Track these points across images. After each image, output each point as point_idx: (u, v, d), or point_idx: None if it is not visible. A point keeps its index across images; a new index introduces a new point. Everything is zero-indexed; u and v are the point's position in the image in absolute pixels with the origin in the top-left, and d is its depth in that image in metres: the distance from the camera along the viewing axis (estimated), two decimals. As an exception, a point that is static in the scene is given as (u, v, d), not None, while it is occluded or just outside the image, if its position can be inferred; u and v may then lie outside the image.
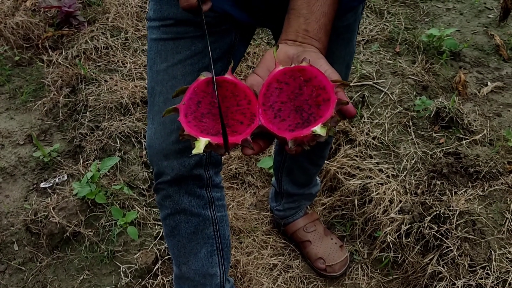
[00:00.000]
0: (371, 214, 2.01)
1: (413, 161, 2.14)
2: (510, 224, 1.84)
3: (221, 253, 1.42)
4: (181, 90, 0.82)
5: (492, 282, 1.68)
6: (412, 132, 2.27)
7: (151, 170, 2.19)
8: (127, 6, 3.03)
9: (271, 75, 0.84)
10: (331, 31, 1.25)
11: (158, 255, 1.86)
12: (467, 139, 2.18)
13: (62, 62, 2.73)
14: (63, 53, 2.80)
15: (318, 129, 0.77)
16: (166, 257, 1.87)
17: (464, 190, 1.96)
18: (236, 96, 0.83)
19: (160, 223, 1.97)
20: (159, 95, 1.22)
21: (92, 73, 2.62)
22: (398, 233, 1.90)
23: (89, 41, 2.81)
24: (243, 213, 2.11)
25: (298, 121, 0.80)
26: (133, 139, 2.27)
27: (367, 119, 2.34)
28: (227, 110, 0.82)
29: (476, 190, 1.95)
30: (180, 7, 0.90)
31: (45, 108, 2.53)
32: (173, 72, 1.19)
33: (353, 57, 1.46)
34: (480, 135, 2.19)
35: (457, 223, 1.82)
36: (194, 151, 0.77)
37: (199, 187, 1.32)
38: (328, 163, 2.17)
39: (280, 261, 1.97)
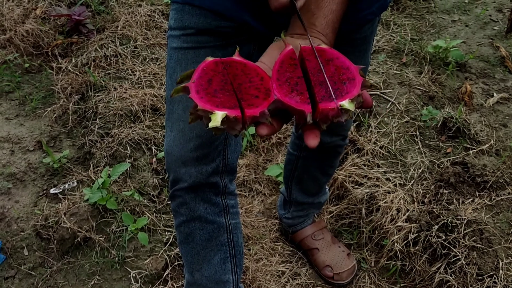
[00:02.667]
0: (379, 223, 2.02)
1: (420, 170, 2.16)
2: (518, 234, 1.86)
3: (234, 260, 1.43)
4: (186, 75, 0.79)
5: (500, 290, 1.69)
6: (419, 142, 2.29)
7: (161, 177, 2.21)
8: (136, 15, 3.06)
9: (283, 53, 0.81)
10: (348, 42, 1.27)
11: (168, 261, 1.88)
12: (474, 149, 2.20)
13: (71, 70, 2.76)
14: (73, 61, 2.83)
15: (347, 103, 0.73)
16: (176, 263, 1.88)
17: (471, 199, 1.98)
18: (248, 74, 0.78)
19: (170, 229, 1.99)
20: (178, 103, 1.23)
21: (101, 81, 2.64)
22: (405, 242, 1.91)
23: (99, 49, 2.84)
24: (251, 220, 2.13)
25: (323, 94, 0.75)
26: (143, 146, 2.29)
27: (375, 128, 2.36)
28: (240, 86, 0.77)
29: (484, 200, 1.97)
30: (272, 8, 0.88)
31: (55, 115, 2.55)
32: None
33: (368, 69, 1.48)
34: (487, 145, 2.21)
35: (465, 232, 1.84)
36: (210, 124, 0.70)
37: (215, 195, 1.33)
38: (335, 172, 2.19)
39: (288, 268, 1.98)
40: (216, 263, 1.40)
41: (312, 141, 0.74)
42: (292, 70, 0.79)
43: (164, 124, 2.39)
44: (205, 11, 1.17)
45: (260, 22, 1.19)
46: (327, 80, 0.77)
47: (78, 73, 2.72)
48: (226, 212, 1.37)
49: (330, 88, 0.75)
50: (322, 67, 0.78)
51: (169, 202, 1.40)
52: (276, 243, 2.07)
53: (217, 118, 0.70)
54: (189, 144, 1.23)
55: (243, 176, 2.30)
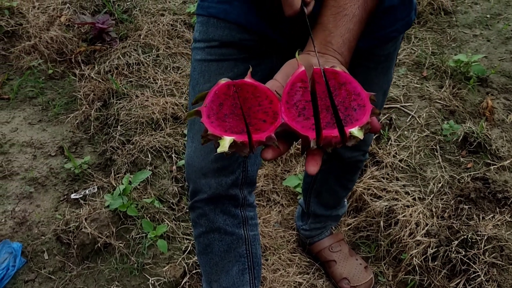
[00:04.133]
0: (397, 236, 2.01)
1: (440, 185, 2.15)
2: (539, 251, 1.84)
3: (252, 272, 1.43)
4: (201, 96, 0.81)
5: (521, 308, 1.67)
6: (439, 156, 2.28)
7: (180, 184, 2.22)
8: (158, 24, 3.10)
9: (295, 75, 0.82)
10: (371, 59, 1.28)
11: (186, 269, 1.89)
12: (495, 164, 2.19)
13: (94, 77, 2.80)
14: (96, 68, 2.87)
15: (356, 131, 0.75)
16: (194, 271, 1.89)
17: (492, 215, 1.97)
18: (257, 97, 0.80)
19: (189, 237, 2.00)
20: None
21: (123, 88, 2.68)
22: (424, 256, 1.90)
23: (121, 57, 2.88)
24: (269, 231, 2.13)
25: (328, 120, 0.77)
26: (163, 154, 2.32)
27: (394, 142, 2.36)
28: (249, 110, 0.79)
29: (504, 216, 1.95)
30: (286, 15, 0.91)
31: (77, 121, 2.59)
32: None
33: (390, 85, 1.48)
34: (508, 161, 2.19)
35: (485, 248, 1.83)
36: (218, 150, 0.74)
37: (234, 207, 1.34)
38: (355, 183, 2.19)
39: (305, 279, 1.98)
40: (234, 274, 1.40)
41: (312, 168, 0.76)
42: (302, 94, 0.80)
43: (185, 133, 2.42)
44: (230, 24, 1.19)
45: (281, 35, 1.20)
46: (335, 106, 0.78)
47: (100, 80, 2.76)
48: (245, 224, 1.38)
49: (340, 114, 0.77)
50: (330, 94, 0.79)
51: (188, 211, 1.41)
52: (294, 254, 2.07)
53: (225, 143, 0.74)
54: (210, 155, 1.24)
55: (261, 186, 2.31)
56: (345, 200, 2.07)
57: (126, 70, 2.82)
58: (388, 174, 2.23)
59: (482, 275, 1.77)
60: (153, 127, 2.45)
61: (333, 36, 0.90)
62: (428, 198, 2.10)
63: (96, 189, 2.22)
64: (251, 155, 1.33)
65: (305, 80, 0.82)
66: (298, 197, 2.26)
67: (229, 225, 1.35)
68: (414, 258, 1.91)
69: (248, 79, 0.82)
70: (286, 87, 0.81)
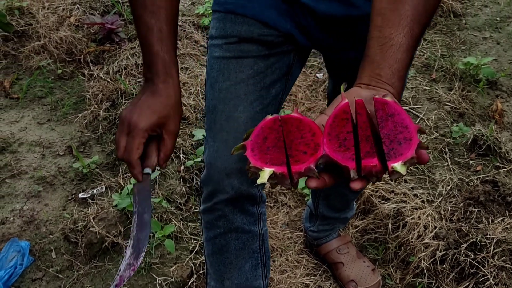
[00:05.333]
0: (405, 239, 2.00)
1: (449, 188, 2.14)
2: (549, 255, 1.82)
3: (264, 266, 1.43)
4: (249, 133, 0.83)
5: (530, 313, 1.66)
6: (448, 159, 2.27)
7: (188, 185, 2.22)
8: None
9: (338, 107, 0.82)
10: None
11: (194, 269, 1.89)
12: (505, 167, 2.18)
13: (103, 77, 2.81)
14: (104, 68, 2.88)
15: (399, 166, 0.73)
16: (201, 272, 1.89)
17: (501, 218, 1.95)
18: (301, 130, 0.81)
19: (196, 237, 2.00)
20: (221, 113, 1.23)
21: (132, 88, 2.68)
22: (432, 259, 1.89)
23: (130, 57, 2.89)
24: (276, 232, 2.13)
25: (368, 150, 0.77)
26: (171, 154, 2.32)
27: (403, 144, 2.35)
28: (291, 143, 0.80)
29: (514, 219, 1.94)
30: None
31: (85, 121, 2.60)
32: (236, 90, 1.21)
33: (404, 89, 1.47)
34: (518, 164, 2.18)
35: (494, 251, 1.81)
36: (258, 181, 0.76)
37: (251, 205, 1.33)
38: (363, 186, 2.18)
39: (312, 281, 1.97)
40: (247, 270, 1.40)
41: (355, 184, 0.76)
42: (343, 125, 0.80)
43: (193, 134, 2.42)
44: (248, 19, 1.18)
45: (301, 33, 1.20)
46: (378, 135, 0.78)
47: (109, 80, 2.76)
48: (259, 221, 1.38)
49: (384, 148, 0.76)
50: (373, 124, 0.79)
51: (201, 212, 1.38)
52: (301, 256, 2.06)
53: (264, 175, 0.76)
54: (234, 155, 1.24)
55: (269, 187, 2.30)
56: (354, 202, 2.06)
57: (134, 70, 2.82)
58: (396, 176, 2.22)
59: (491, 278, 1.75)
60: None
61: (381, 68, 0.88)
62: (436, 201, 2.08)
63: (104, 189, 2.23)
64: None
65: (348, 111, 0.81)
66: (306, 199, 2.25)
67: (246, 223, 1.34)
68: (422, 261, 1.90)
69: (295, 113, 0.83)
70: (329, 120, 0.81)
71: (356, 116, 0.81)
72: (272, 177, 0.77)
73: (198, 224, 2.07)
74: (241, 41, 1.20)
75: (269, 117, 0.83)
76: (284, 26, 1.18)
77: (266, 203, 2.25)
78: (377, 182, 2.15)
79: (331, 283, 1.99)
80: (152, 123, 1.04)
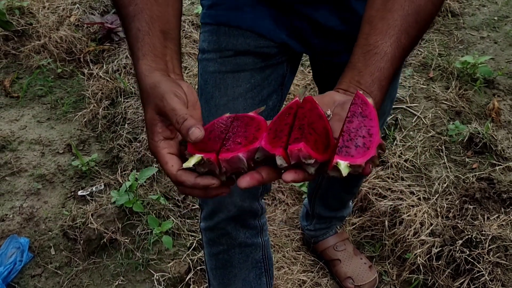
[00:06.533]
0: (401, 236, 2.02)
1: (445, 185, 2.15)
2: (543, 252, 1.83)
3: (268, 274, 1.42)
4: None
5: (524, 308, 1.67)
6: (445, 156, 2.28)
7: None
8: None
9: (286, 105, 0.80)
10: None
11: (191, 265, 1.90)
12: (501, 165, 2.19)
13: (102, 76, 2.83)
14: (104, 67, 2.89)
15: (343, 165, 0.69)
16: (199, 268, 1.90)
17: (496, 215, 1.96)
18: (248, 126, 0.79)
19: (194, 234, 2.02)
20: None
21: (131, 87, 2.70)
22: (428, 256, 1.90)
23: (129, 57, 2.90)
24: (273, 229, 2.14)
25: (297, 136, 0.73)
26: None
27: (400, 142, 2.36)
28: (233, 136, 0.78)
29: (509, 216, 1.95)
30: None
31: (85, 119, 2.62)
32: (235, 106, 1.16)
33: (397, 91, 1.45)
34: (514, 162, 2.19)
35: (489, 248, 1.82)
36: (184, 165, 0.75)
37: (253, 219, 1.32)
38: (360, 184, 2.20)
39: (309, 278, 1.98)
40: (252, 279, 1.39)
41: (286, 176, 0.71)
42: (284, 119, 0.78)
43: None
44: (243, 31, 1.14)
45: (296, 39, 1.17)
46: (328, 126, 0.75)
47: (108, 79, 2.78)
48: (262, 232, 1.36)
49: (340, 140, 0.72)
50: (323, 114, 0.77)
51: (202, 229, 1.34)
52: (298, 252, 2.08)
53: (192, 159, 0.75)
54: None
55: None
56: (350, 201, 2.07)
57: (134, 69, 2.84)
58: (393, 174, 2.24)
59: (486, 274, 1.77)
60: (160, 125, 2.47)
61: (362, 75, 0.86)
62: (433, 198, 2.10)
63: (102, 186, 2.24)
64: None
65: (293, 107, 0.80)
66: (303, 196, 2.27)
67: (249, 237, 1.32)
68: (419, 258, 1.91)
69: (252, 113, 0.83)
70: (275, 117, 0.80)
71: (298, 109, 0.79)
72: (202, 164, 0.75)
73: (196, 221, 2.09)
74: (237, 54, 1.16)
75: (226, 115, 0.83)
76: (280, 36, 1.15)
77: (264, 200, 2.26)
78: (374, 180, 2.17)
79: (328, 280, 2.00)
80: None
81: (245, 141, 0.76)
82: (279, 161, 0.71)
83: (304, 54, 1.30)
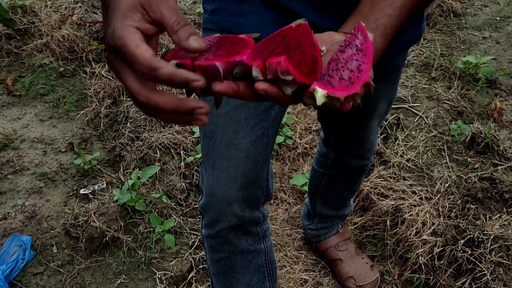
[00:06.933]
0: (403, 235, 2.02)
1: (447, 185, 2.15)
2: (545, 251, 1.83)
3: (271, 277, 1.41)
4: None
5: (526, 308, 1.67)
6: (447, 156, 2.29)
7: (188, 181, 2.24)
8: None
9: (279, 30, 0.73)
10: (380, 70, 1.27)
11: (193, 264, 1.90)
12: (503, 165, 2.19)
13: (104, 75, 2.83)
14: (106, 66, 2.89)
15: (320, 93, 0.64)
16: (201, 266, 1.91)
17: (498, 215, 1.97)
18: (235, 44, 0.72)
19: (196, 232, 2.02)
20: (220, 139, 1.16)
21: (133, 86, 2.70)
22: (430, 255, 1.90)
23: None
24: (275, 228, 2.14)
25: (280, 51, 0.67)
26: (172, 150, 2.34)
27: (402, 141, 2.36)
28: (215, 49, 0.71)
29: (511, 216, 1.95)
30: None
31: (87, 118, 2.62)
32: (236, 115, 1.13)
33: (396, 93, 1.45)
34: (516, 162, 2.20)
35: (491, 247, 1.83)
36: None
37: (255, 226, 1.30)
38: (361, 183, 2.20)
39: (311, 277, 1.98)
40: (255, 284, 1.38)
41: (259, 84, 0.65)
42: (273, 39, 0.71)
43: (194, 131, 2.44)
44: None
45: None
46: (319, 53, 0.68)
47: (110, 78, 2.78)
48: (264, 237, 1.35)
49: (324, 68, 0.67)
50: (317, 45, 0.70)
51: (203, 235, 1.33)
52: (300, 252, 2.08)
53: (171, 64, 0.67)
54: (235, 183, 1.17)
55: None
56: (351, 199, 2.08)
57: (136, 68, 2.84)
58: (395, 174, 2.24)
59: (488, 274, 1.77)
60: (162, 124, 2.48)
61: (366, 20, 0.83)
62: (435, 198, 2.10)
63: (105, 185, 2.25)
64: (270, 174, 1.28)
65: (286, 30, 0.73)
66: (305, 196, 2.27)
67: (251, 244, 1.31)
68: (420, 257, 1.91)
69: (243, 35, 0.75)
70: (264, 39, 0.73)
71: (290, 30, 0.72)
72: (177, 65, 0.67)
73: (198, 220, 2.09)
74: None
75: (216, 35, 0.76)
76: None
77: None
78: (375, 180, 2.17)
79: (329, 279, 2.00)
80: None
81: (226, 54, 0.69)
82: (255, 72, 0.65)
83: None
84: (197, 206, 2.12)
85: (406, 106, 2.54)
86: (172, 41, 0.65)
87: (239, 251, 1.30)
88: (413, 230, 1.99)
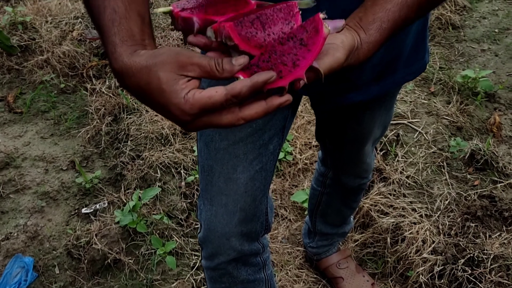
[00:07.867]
0: (404, 253, 2.03)
1: (446, 202, 2.16)
2: (545, 271, 1.84)
3: None
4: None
5: (526, 329, 1.68)
6: (446, 173, 2.30)
7: (189, 200, 2.25)
8: (168, 39, 3.15)
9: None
10: (376, 100, 1.26)
11: (195, 285, 1.91)
12: (502, 182, 2.20)
13: (105, 91, 2.84)
14: (107, 83, 2.91)
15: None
16: (202, 288, 1.92)
17: (498, 233, 1.97)
18: (236, 5, 0.76)
19: (197, 253, 2.03)
20: (218, 174, 1.16)
21: (134, 103, 2.72)
22: (430, 274, 1.91)
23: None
24: (276, 247, 2.15)
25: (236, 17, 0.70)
26: (173, 170, 2.35)
27: (401, 158, 2.37)
28: (211, 6, 0.77)
29: (511, 235, 1.96)
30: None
31: (88, 135, 2.63)
32: (235, 150, 1.14)
33: (391, 117, 1.45)
34: (515, 178, 2.20)
35: (491, 267, 1.84)
36: (156, 10, 0.78)
37: (255, 257, 1.31)
38: (361, 200, 2.21)
39: (312, 296, 1.99)
40: None
41: (192, 37, 0.73)
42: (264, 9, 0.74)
43: (194, 149, 2.45)
44: None
45: (306, 91, 1.14)
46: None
47: (111, 95, 2.80)
48: (264, 265, 1.35)
49: (277, 47, 0.69)
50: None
51: (203, 266, 1.34)
52: (301, 270, 2.09)
53: (162, 8, 0.77)
54: (233, 218, 1.18)
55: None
56: (352, 217, 2.08)
57: (136, 85, 2.85)
58: (395, 191, 2.25)
59: (488, 294, 1.78)
60: (163, 142, 2.49)
61: (365, 12, 0.84)
62: (435, 215, 2.11)
63: (106, 204, 2.26)
64: (269, 206, 1.29)
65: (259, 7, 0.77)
66: (305, 212, 2.28)
67: (251, 274, 1.32)
68: (421, 276, 1.92)
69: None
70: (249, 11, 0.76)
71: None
72: (169, 13, 0.77)
73: (206, 274, 2.09)
74: None
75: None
76: None
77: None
78: (375, 197, 2.18)
79: (330, 298, 2.01)
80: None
81: (215, 13, 0.74)
82: (209, 33, 0.70)
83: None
84: (198, 226, 2.14)
85: (405, 122, 2.55)
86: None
87: (240, 281, 1.31)
88: (413, 248, 2.00)
